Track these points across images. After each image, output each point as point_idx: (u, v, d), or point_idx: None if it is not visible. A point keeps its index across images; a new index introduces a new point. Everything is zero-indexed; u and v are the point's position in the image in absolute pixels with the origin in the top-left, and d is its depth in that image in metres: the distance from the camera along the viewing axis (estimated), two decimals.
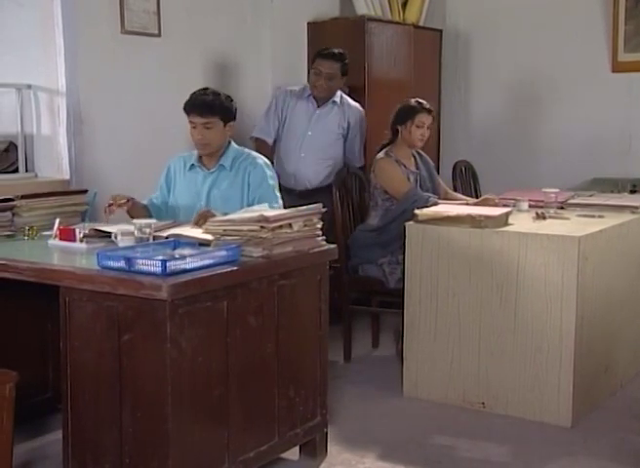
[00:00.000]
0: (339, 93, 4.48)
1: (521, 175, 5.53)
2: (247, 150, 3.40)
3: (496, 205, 3.85)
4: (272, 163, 3.74)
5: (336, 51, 4.39)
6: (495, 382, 3.41)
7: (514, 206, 3.91)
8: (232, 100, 3.33)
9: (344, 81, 4.47)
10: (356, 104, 4.54)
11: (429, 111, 4.05)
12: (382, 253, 3.94)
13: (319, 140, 4.43)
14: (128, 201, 3.16)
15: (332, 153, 4.48)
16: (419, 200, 3.85)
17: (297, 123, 4.43)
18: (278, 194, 3.33)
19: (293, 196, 4.11)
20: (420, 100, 4.09)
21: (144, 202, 3.37)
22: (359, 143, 4.56)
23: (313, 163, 4.41)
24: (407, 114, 4.02)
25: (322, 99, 4.43)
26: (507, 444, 3.15)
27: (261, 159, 3.37)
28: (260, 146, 4.34)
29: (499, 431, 3.26)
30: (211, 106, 3.22)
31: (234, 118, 3.32)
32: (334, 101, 4.46)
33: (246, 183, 3.29)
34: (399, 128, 4.04)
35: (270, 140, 4.46)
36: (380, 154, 4.06)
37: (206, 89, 3.31)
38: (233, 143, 3.37)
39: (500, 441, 3.17)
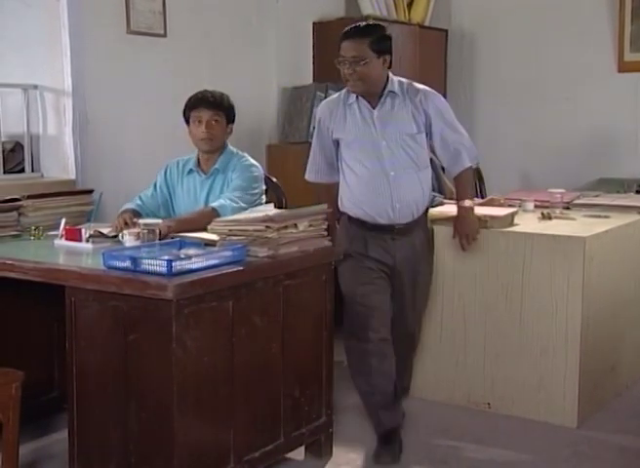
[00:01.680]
0: (393, 78, 3.14)
1: (526, 176, 5.53)
2: (242, 153, 3.38)
3: (501, 205, 3.84)
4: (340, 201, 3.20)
5: (361, 24, 3.09)
6: (500, 383, 3.41)
7: (520, 206, 3.90)
8: (234, 104, 3.34)
9: (386, 62, 3.05)
10: (426, 88, 3.21)
11: None
12: None
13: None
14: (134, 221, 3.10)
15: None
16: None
17: (360, 136, 3.12)
18: (255, 185, 3.26)
19: (388, 233, 3.11)
20: None
21: (132, 206, 3.30)
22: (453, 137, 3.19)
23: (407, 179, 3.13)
24: None
25: (371, 95, 3.10)
26: (513, 444, 3.14)
27: (250, 160, 3.34)
28: (325, 190, 3.37)
29: (504, 432, 3.25)
30: (220, 101, 3.26)
31: (233, 121, 3.32)
32: (391, 92, 3.11)
33: (230, 181, 3.27)
34: None
35: (330, 178, 3.29)
36: None
37: (211, 91, 3.31)
38: (230, 146, 3.36)
39: (506, 441, 3.17)
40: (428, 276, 3.37)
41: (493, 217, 3.43)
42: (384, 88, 3.10)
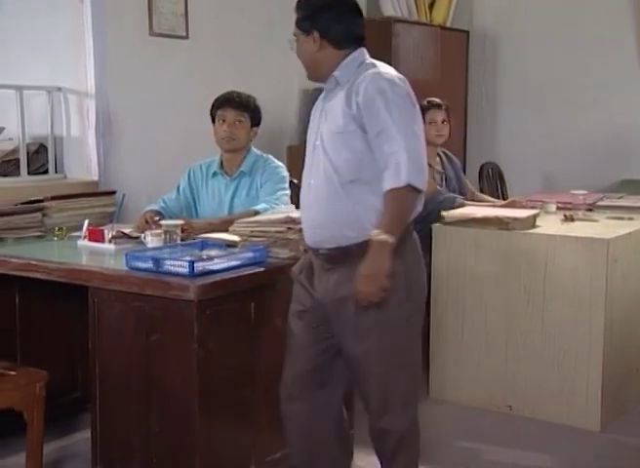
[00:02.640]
0: (347, 61, 2.32)
1: (549, 177, 5.50)
2: (266, 155, 3.39)
3: (523, 207, 3.82)
4: None
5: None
6: (522, 385, 3.39)
7: (542, 208, 3.88)
8: (260, 107, 3.35)
9: (316, 40, 2.32)
10: (380, 70, 2.29)
11: (439, 106, 4.02)
12: None
13: None
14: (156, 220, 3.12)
15: None
16: (445, 201, 3.83)
17: (308, 134, 2.63)
18: (286, 186, 3.30)
19: (318, 258, 2.36)
20: (430, 98, 4.07)
21: (156, 207, 3.33)
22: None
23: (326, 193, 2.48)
24: None
25: (322, 83, 2.44)
26: (535, 447, 3.12)
27: (277, 162, 3.37)
28: None
29: (526, 434, 3.23)
30: (246, 103, 3.28)
31: (258, 124, 3.33)
32: (334, 77, 2.34)
33: (259, 184, 3.29)
34: None
35: None
36: None
37: (235, 91, 3.33)
38: (253, 149, 3.38)
39: (528, 444, 3.15)
40: (370, 355, 2.24)
41: (515, 219, 3.41)
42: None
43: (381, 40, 4.88)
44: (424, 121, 3.95)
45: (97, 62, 3.73)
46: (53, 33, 3.87)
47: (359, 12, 2.37)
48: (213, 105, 3.31)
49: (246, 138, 3.30)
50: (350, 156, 2.21)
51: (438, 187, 3.97)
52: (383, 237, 2.09)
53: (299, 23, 2.37)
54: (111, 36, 3.80)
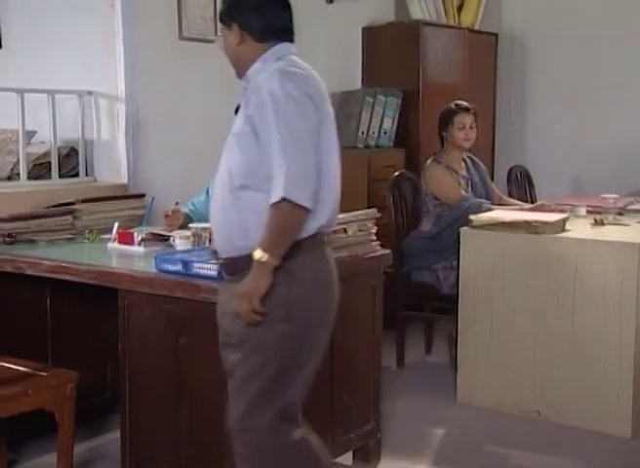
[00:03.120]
0: (267, 56, 2.19)
1: (578, 180, 5.45)
2: None
3: (552, 210, 3.79)
4: None
5: None
6: (551, 390, 3.36)
7: (571, 211, 3.85)
8: None
9: (237, 35, 2.20)
10: (284, 68, 2.12)
11: (467, 110, 4.03)
12: (436, 259, 3.91)
13: None
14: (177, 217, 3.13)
15: None
16: (472, 206, 3.82)
17: None
18: None
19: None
20: (458, 102, 4.07)
21: (186, 209, 3.35)
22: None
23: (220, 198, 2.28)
24: (446, 118, 4.02)
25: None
26: (564, 454, 3.09)
27: None
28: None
29: (555, 441, 3.21)
30: None
31: None
32: (248, 75, 2.22)
33: None
34: (443, 134, 4.03)
35: None
36: (429, 161, 4.05)
37: None
38: None
39: (557, 451, 3.12)
40: (238, 366, 2.12)
41: (544, 223, 3.39)
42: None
43: (409, 43, 4.87)
44: (452, 124, 3.99)
45: (127, 66, 3.76)
46: (84, 38, 3.90)
47: (284, 3, 2.23)
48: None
49: None
50: (241, 160, 2.09)
51: (464, 193, 3.96)
52: (258, 255, 1.99)
53: (221, 17, 2.24)
54: (141, 40, 3.82)
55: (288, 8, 2.24)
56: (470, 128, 4.01)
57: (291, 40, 2.21)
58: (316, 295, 2.12)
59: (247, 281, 2.02)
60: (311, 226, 2.07)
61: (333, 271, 2.19)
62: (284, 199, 1.96)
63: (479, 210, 3.76)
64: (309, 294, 2.10)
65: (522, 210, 3.89)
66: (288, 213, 1.99)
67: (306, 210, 2.00)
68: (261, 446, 2.10)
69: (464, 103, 4.05)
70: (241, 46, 2.19)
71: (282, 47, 2.18)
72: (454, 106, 4.04)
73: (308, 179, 2.00)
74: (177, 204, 3.05)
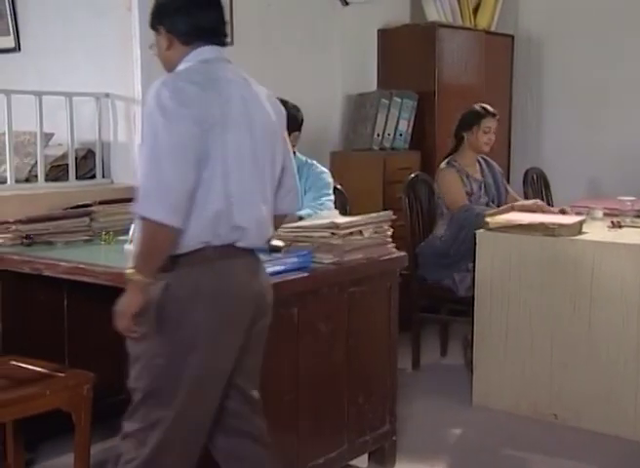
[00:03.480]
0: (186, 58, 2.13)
1: (595, 183, 5.42)
2: (310, 160, 3.39)
3: (541, 210, 3.77)
4: None
5: None
6: (567, 394, 3.34)
7: (588, 214, 3.83)
8: (299, 110, 3.32)
9: (166, 40, 2.14)
10: (169, 77, 2.06)
11: (494, 115, 4.03)
12: (451, 262, 3.91)
13: None
14: None
15: None
16: (468, 218, 3.82)
17: None
18: (330, 192, 3.32)
19: None
20: (485, 105, 4.06)
21: None
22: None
23: None
24: (473, 120, 4.00)
25: None
26: (581, 458, 3.08)
27: (322, 168, 3.37)
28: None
29: (571, 444, 3.19)
30: None
31: (299, 129, 3.32)
32: None
33: (304, 190, 3.30)
34: (464, 134, 4.02)
35: None
36: (443, 163, 4.04)
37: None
38: (298, 154, 3.38)
39: (574, 454, 3.10)
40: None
41: (560, 225, 3.37)
42: None
43: (425, 45, 4.86)
44: (479, 127, 3.99)
45: (143, 69, 3.78)
46: (101, 41, 3.93)
47: (210, 3, 2.12)
48: None
49: None
50: None
51: (466, 202, 3.93)
52: (129, 273, 1.94)
53: (150, 22, 2.14)
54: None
55: (215, 8, 2.13)
56: (493, 133, 4.02)
57: (219, 42, 2.13)
58: (198, 313, 1.98)
59: (121, 298, 1.98)
60: (191, 241, 1.96)
61: (233, 288, 2.03)
62: (141, 216, 1.91)
63: (478, 219, 3.74)
64: (187, 311, 1.97)
65: (512, 208, 3.86)
66: (148, 229, 1.91)
67: (167, 226, 1.89)
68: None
69: (491, 108, 4.05)
70: (170, 50, 2.10)
71: (205, 50, 2.08)
72: (481, 109, 4.03)
73: (165, 194, 1.88)
74: None
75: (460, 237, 3.85)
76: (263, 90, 2.20)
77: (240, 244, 2.05)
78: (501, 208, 3.92)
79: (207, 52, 2.08)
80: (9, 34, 4.54)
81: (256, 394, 2.21)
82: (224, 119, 1.98)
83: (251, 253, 2.11)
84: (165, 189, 1.89)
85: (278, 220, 2.26)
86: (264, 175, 2.09)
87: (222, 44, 2.13)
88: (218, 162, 1.96)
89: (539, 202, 4.01)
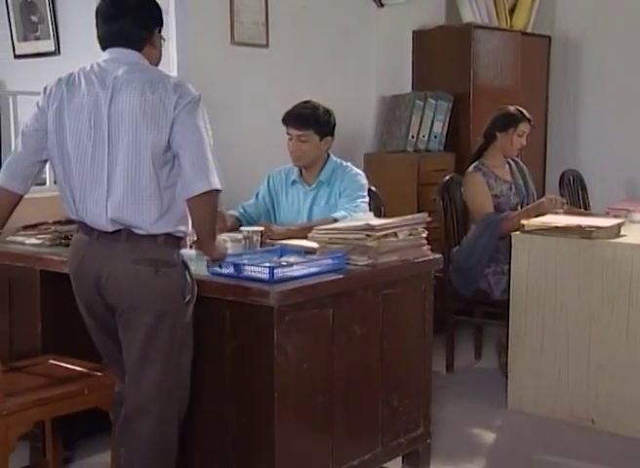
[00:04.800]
0: None
1: (633, 185, 5.34)
2: (345, 163, 3.40)
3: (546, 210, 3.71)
4: None
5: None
6: (605, 398, 3.30)
7: (626, 216, 3.78)
8: (331, 115, 3.32)
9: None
10: None
11: (530, 121, 4.03)
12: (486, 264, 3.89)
13: None
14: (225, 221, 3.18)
15: None
16: (489, 225, 3.82)
17: None
18: (365, 194, 3.32)
19: None
20: (521, 109, 4.03)
21: (236, 213, 3.39)
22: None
23: None
24: (509, 121, 3.97)
25: None
26: (618, 464, 3.04)
27: (356, 170, 3.37)
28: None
29: (609, 450, 3.15)
30: (307, 119, 3.25)
31: (331, 133, 3.32)
32: None
33: (338, 193, 3.30)
34: (498, 134, 3.99)
35: None
36: (471, 168, 4.01)
37: (307, 102, 3.33)
38: (332, 157, 3.38)
39: (611, 461, 3.06)
40: None
41: (598, 228, 3.33)
42: None
43: (461, 46, 4.84)
44: (515, 130, 3.96)
45: (180, 71, 3.81)
46: None
47: (101, 14, 2.38)
48: (282, 119, 3.32)
49: (314, 153, 3.29)
50: None
51: (489, 210, 3.89)
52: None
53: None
54: (194, 46, 3.88)
55: (103, 17, 2.37)
56: (525, 138, 4.01)
57: (105, 46, 2.36)
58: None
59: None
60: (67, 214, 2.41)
61: (71, 260, 2.39)
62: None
63: (498, 225, 3.77)
64: None
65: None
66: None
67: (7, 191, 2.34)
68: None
69: (527, 113, 4.03)
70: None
71: (106, 53, 2.36)
72: (519, 112, 4.00)
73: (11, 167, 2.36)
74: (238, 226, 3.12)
75: (479, 246, 3.82)
76: (150, 78, 2.27)
77: (86, 219, 2.31)
78: (517, 212, 3.88)
79: (103, 55, 2.36)
80: (49, 38, 4.62)
81: (125, 389, 2.35)
82: (55, 107, 2.30)
83: (100, 233, 2.29)
84: (13, 163, 2.40)
85: (190, 204, 2.25)
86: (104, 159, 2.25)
87: (111, 46, 2.34)
88: (53, 145, 2.32)
89: (544, 202, 3.88)
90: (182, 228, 2.33)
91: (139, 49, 2.33)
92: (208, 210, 2.25)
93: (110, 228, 2.26)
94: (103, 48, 2.36)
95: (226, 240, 2.83)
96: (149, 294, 2.25)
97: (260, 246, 2.85)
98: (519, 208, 3.98)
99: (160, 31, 2.42)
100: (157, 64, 2.43)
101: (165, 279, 2.27)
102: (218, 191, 2.25)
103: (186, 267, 2.36)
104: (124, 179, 2.22)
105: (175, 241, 2.31)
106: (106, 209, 2.24)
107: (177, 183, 2.26)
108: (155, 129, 2.20)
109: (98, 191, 2.25)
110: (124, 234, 2.25)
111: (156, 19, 2.38)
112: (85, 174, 2.26)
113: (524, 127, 3.98)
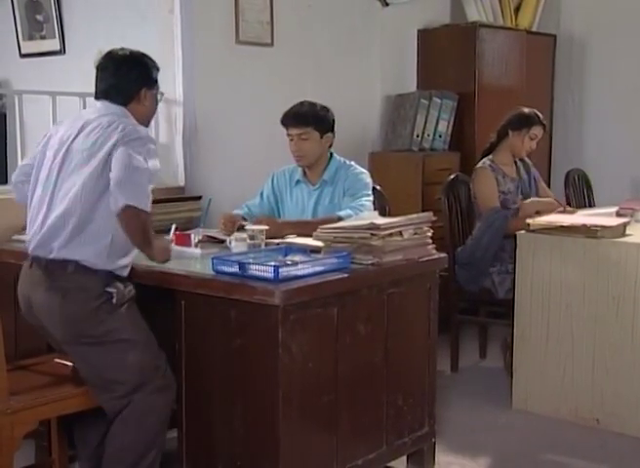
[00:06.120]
0: None
1: (639, 184, 5.33)
2: (349, 162, 3.39)
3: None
4: None
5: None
6: (610, 398, 3.29)
7: (632, 216, 3.77)
8: (328, 111, 3.32)
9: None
10: None
11: (544, 126, 4.03)
12: (491, 263, 3.88)
13: None
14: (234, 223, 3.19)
15: None
16: (496, 220, 3.82)
17: None
18: (369, 193, 3.31)
19: None
20: (538, 113, 4.04)
21: (241, 212, 3.39)
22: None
23: None
24: (525, 122, 3.98)
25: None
26: (624, 464, 3.03)
27: (360, 168, 3.37)
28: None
29: (614, 450, 3.14)
30: (305, 117, 3.25)
31: (331, 130, 3.31)
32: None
33: (342, 192, 3.30)
34: (510, 132, 3.98)
35: None
36: (480, 163, 4.01)
37: (303, 102, 3.34)
38: (336, 156, 3.38)
39: (616, 461, 3.05)
40: None
41: (603, 227, 3.33)
42: None
43: (466, 45, 4.83)
44: (528, 131, 3.97)
45: (185, 71, 3.82)
46: (143, 43, 3.93)
47: (96, 67, 2.63)
48: (281, 122, 3.32)
49: (316, 151, 3.29)
50: None
51: (497, 204, 3.90)
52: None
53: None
54: (199, 45, 3.88)
55: (96, 71, 2.61)
56: (536, 142, 4.02)
57: (96, 97, 2.60)
58: None
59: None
60: None
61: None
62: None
63: (504, 220, 3.78)
64: None
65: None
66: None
67: None
68: None
69: (543, 118, 4.05)
70: None
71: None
72: (535, 116, 4.01)
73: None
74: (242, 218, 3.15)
75: (484, 240, 3.82)
76: (96, 121, 2.49)
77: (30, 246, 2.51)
78: (529, 201, 3.92)
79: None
80: (54, 37, 4.63)
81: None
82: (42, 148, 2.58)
83: (34, 259, 2.49)
84: None
85: (118, 219, 2.40)
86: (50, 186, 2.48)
87: (97, 98, 2.60)
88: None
89: (554, 203, 3.93)
90: (99, 260, 2.43)
91: (123, 104, 2.54)
92: (134, 226, 2.38)
93: (35, 253, 2.48)
94: (95, 98, 2.60)
95: (232, 239, 2.84)
96: (59, 320, 2.43)
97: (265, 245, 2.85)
98: None
99: (152, 89, 2.61)
100: (147, 120, 2.63)
101: (74, 304, 2.41)
102: (145, 212, 2.37)
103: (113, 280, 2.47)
104: (55, 210, 2.43)
105: (87, 270, 2.43)
106: (36, 235, 2.46)
107: (102, 214, 2.40)
108: (93, 160, 2.41)
109: (37, 218, 2.48)
110: (43, 261, 2.44)
111: (143, 78, 2.57)
112: (33, 203, 2.51)
113: (537, 130, 3.98)
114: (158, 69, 2.65)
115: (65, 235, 2.40)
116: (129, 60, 2.57)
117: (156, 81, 2.63)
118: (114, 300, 2.45)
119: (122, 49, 2.61)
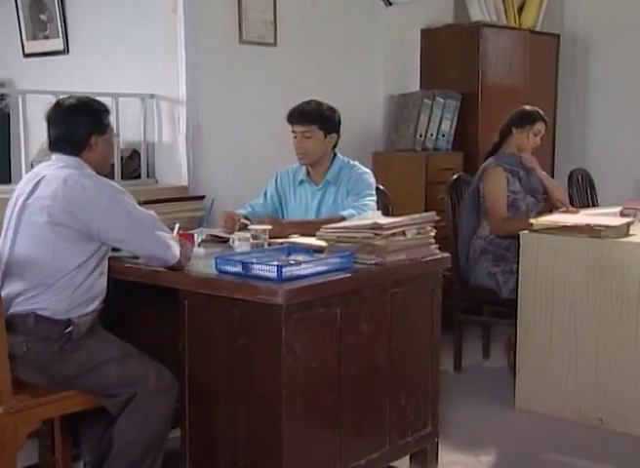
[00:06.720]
0: None
1: None
2: (352, 162, 3.39)
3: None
4: None
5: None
6: (613, 398, 3.29)
7: (635, 216, 3.76)
8: (335, 112, 3.32)
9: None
10: None
11: (546, 122, 4.05)
12: (495, 263, 3.88)
13: None
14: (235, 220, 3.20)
15: None
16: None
17: None
18: (372, 192, 3.31)
19: None
20: (539, 110, 4.05)
21: (244, 212, 3.40)
22: None
23: None
24: (527, 119, 3.99)
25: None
26: (627, 464, 3.03)
27: (363, 168, 3.37)
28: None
29: (617, 450, 3.14)
30: (310, 115, 3.25)
31: (336, 130, 3.31)
32: None
33: (346, 192, 3.30)
34: (514, 130, 3.99)
35: None
36: (491, 162, 4.00)
37: (310, 100, 3.34)
38: (339, 156, 3.38)
39: (620, 460, 3.05)
40: None
41: (607, 227, 3.32)
42: None
43: (469, 45, 4.83)
44: (532, 128, 3.98)
45: (188, 70, 3.82)
46: (147, 43, 3.98)
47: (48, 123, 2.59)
48: (287, 118, 3.32)
49: (319, 150, 3.28)
50: None
51: (504, 212, 3.89)
52: None
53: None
54: (202, 45, 3.88)
55: (47, 123, 2.57)
56: (540, 138, 4.02)
57: (51, 150, 2.58)
58: None
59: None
60: None
61: None
62: None
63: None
64: None
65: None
66: None
67: None
68: None
69: (544, 114, 4.05)
70: None
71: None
72: (537, 112, 4.01)
73: None
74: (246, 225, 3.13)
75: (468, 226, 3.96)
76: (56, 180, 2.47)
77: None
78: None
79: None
80: (58, 37, 4.63)
81: None
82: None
83: None
84: None
85: None
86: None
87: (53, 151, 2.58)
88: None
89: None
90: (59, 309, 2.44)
91: (75, 154, 2.52)
92: (182, 266, 2.62)
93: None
94: (49, 150, 2.59)
95: (235, 239, 2.83)
96: (27, 369, 2.43)
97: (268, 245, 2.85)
98: (534, 205, 3.97)
99: (104, 134, 2.56)
100: (102, 167, 2.61)
101: (37, 354, 2.42)
102: (180, 254, 2.59)
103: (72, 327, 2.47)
104: (14, 262, 2.46)
105: (46, 321, 2.43)
106: None
107: (58, 267, 2.43)
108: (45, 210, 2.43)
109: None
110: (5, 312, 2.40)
111: (91, 126, 2.53)
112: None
113: (540, 126, 4.00)
114: (109, 112, 2.62)
115: (23, 288, 2.43)
116: (75, 109, 2.52)
117: (107, 125, 2.59)
118: (74, 337, 2.46)
119: (69, 97, 2.59)
